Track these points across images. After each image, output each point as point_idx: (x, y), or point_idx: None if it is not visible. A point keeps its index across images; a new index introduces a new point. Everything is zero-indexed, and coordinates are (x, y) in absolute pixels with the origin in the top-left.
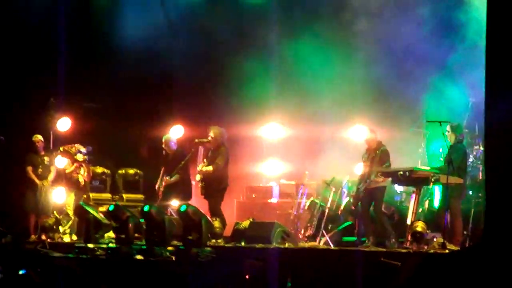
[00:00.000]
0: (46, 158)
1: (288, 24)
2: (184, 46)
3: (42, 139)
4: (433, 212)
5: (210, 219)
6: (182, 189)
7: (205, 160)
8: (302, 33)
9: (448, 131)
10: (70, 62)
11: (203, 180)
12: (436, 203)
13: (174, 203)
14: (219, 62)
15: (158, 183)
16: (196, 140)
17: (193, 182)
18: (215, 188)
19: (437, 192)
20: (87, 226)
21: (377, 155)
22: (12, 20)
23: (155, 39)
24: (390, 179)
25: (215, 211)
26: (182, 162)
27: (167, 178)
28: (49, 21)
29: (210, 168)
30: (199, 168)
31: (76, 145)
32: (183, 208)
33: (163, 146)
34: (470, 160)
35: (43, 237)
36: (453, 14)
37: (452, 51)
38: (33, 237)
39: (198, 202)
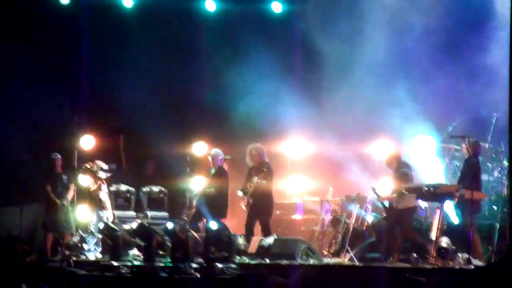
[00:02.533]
0: (64, 177)
1: (312, 40)
2: (205, 63)
3: (59, 157)
4: (454, 228)
5: (234, 236)
6: (220, 206)
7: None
8: (324, 48)
9: (464, 146)
10: (94, 79)
11: (253, 196)
12: (453, 219)
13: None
14: (242, 78)
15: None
16: (223, 157)
17: None
18: (266, 204)
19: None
20: (113, 244)
21: (396, 178)
22: (37, 37)
23: (175, 57)
24: (420, 203)
25: (267, 228)
26: None
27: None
28: (73, 39)
29: (264, 182)
30: (250, 183)
31: (97, 162)
32: (214, 226)
33: (209, 158)
34: (495, 175)
35: (67, 254)
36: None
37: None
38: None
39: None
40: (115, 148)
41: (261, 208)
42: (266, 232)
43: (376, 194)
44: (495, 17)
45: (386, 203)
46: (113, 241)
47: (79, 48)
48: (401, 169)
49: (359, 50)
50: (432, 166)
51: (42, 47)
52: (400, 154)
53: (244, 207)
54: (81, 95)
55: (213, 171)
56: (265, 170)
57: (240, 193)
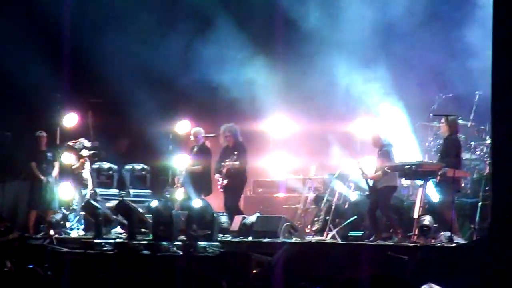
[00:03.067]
0: (49, 154)
1: (298, 16)
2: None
3: (45, 134)
4: (434, 206)
5: (217, 214)
6: (204, 183)
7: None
8: (310, 25)
9: (443, 123)
10: (76, 56)
11: (227, 176)
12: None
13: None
14: (225, 56)
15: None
16: (203, 135)
17: None
18: (237, 184)
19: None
20: (95, 221)
21: (379, 155)
22: (18, 14)
23: (160, 35)
24: (400, 179)
25: (235, 207)
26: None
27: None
28: (55, 15)
29: (237, 163)
30: (225, 163)
31: (80, 139)
32: (197, 204)
33: (191, 138)
34: (478, 153)
35: (51, 232)
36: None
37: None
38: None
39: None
40: (97, 126)
41: (233, 187)
42: (232, 209)
43: (362, 171)
44: None
45: (371, 182)
46: (95, 219)
47: (63, 22)
48: (384, 148)
49: (339, 26)
50: (408, 144)
51: (24, 20)
52: (382, 133)
53: (220, 187)
54: (64, 71)
55: (195, 149)
56: (238, 149)
57: (216, 175)
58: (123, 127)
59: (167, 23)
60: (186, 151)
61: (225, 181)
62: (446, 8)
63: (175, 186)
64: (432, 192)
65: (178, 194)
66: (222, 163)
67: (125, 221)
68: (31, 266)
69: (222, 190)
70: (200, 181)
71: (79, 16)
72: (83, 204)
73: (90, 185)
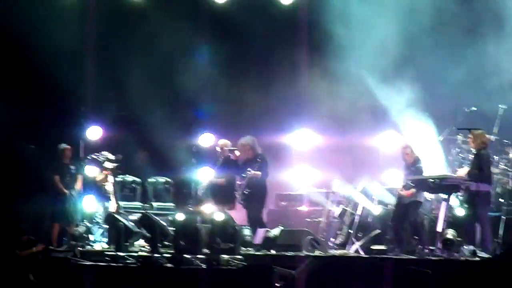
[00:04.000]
0: (72, 167)
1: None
2: (213, 55)
3: (69, 147)
4: (459, 220)
5: (240, 227)
6: (228, 196)
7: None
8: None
9: (470, 137)
10: (101, 70)
11: (248, 187)
12: (458, 211)
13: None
14: (248, 69)
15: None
16: (226, 148)
17: None
18: (259, 196)
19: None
20: (118, 234)
21: (412, 172)
22: (45, 27)
23: (184, 47)
24: (425, 194)
25: (258, 220)
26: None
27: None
28: (81, 27)
29: (259, 173)
30: (245, 174)
31: (103, 152)
32: (219, 217)
33: (217, 149)
34: (501, 167)
35: (74, 245)
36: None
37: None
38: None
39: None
40: (121, 139)
41: (256, 199)
42: (256, 222)
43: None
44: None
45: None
46: (117, 232)
47: (87, 36)
48: (417, 164)
49: (365, 38)
50: (434, 157)
51: (50, 33)
52: (414, 148)
53: (239, 199)
54: (89, 84)
55: (221, 161)
56: (259, 160)
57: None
58: (146, 140)
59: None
60: (209, 164)
61: (246, 191)
62: (473, 21)
63: (198, 198)
64: (458, 206)
65: (201, 207)
66: (243, 175)
67: (148, 234)
68: None
69: (242, 202)
70: (223, 194)
71: (106, 31)
72: (105, 217)
73: (113, 198)
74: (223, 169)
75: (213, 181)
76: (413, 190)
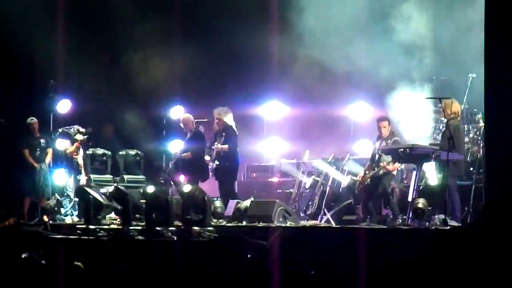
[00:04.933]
0: (42, 140)
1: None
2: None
3: (36, 120)
4: (431, 189)
5: (211, 198)
6: (199, 169)
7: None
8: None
9: (442, 107)
10: (70, 43)
11: (217, 159)
12: (431, 180)
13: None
14: (218, 39)
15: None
16: (196, 120)
17: None
18: (230, 167)
19: (430, 169)
20: (88, 207)
21: (388, 145)
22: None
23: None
24: (400, 167)
25: (231, 192)
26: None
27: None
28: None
29: (225, 146)
30: (214, 146)
31: (75, 126)
32: (187, 188)
33: (181, 124)
34: (471, 136)
35: (45, 218)
36: None
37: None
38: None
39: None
40: (90, 112)
41: (225, 171)
42: (228, 194)
43: (380, 163)
44: None
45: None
46: (86, 205)
47: (55, 9)
48: (394, 138)
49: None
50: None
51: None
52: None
53: (210, 172)
54: (58, 58)
55: (188, 135)
56: (225, 133)
57: (207, 157)
58: (115, 113)
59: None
60: (179, 137)
61: (215, 164)
62: None
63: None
64: (432, 175)
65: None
66: (212, 147)
67: (119, 207)
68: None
69: (211, 174)
70: (194, 167)
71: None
72: (76, 190)
73: (84, 171)
74: (190, 143)
75: (181, 156)
76: (397, 164)
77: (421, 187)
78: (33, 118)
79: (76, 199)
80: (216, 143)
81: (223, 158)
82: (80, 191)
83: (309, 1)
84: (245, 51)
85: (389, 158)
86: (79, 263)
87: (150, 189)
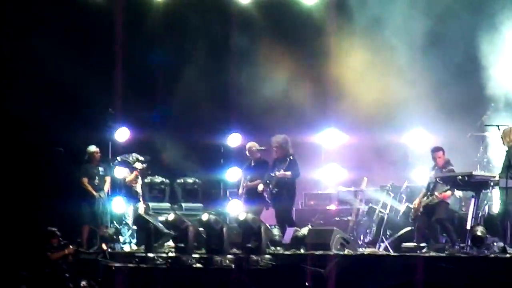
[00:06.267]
0: (101, 169)
1: (349, 30)
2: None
3: (98, 150)
4: (493, 217)
5: (268, 226)
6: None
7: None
8: (361, 40)
9: (501, 135)
10: (128, 72)
11: (277, 186)
12: (495, 208)
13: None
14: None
15: (240, 189)
16: (255, 148)
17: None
18: (288, 195)
19: (496, 197)
20: (148, 235)
21: (445, 172)
22: (73, 30)
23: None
24: (456, 193)
25: (287, 219)
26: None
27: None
28: (108, 31)
29: (288, 173)
30: (274, 173)
31: (133, 154)
32: (242, 216)
33: (246, 153)
34: None
35: (104, 247)
36: None
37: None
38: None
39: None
40: (148, 141)
41: (284, 198)
42: (285, 221)
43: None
44: None
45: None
46: (147, 233)
47: (113, 39)
48: (449, 166)
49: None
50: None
51: (77, 36)
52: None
53: (266, 198)
54: (116, 86)
55: (252, 163)
56: (289, 160)
57: (260, 187)
58: (174, 141)
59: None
60: (237, 164)
61: (275, 190)
62: None
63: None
64: (496, 202)
65: (231, 208)
66: (272, 174)
67: (178, 235)
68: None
69: (270, 202)
70: (258, 195)
71: (134, 32)
72: (135, 218)
73: (142, 199)
74: (254, 171)
75: (249, 185)
76: (449, 192)
77: (479, 214)
78: (95, 147)
79: (135, 227)
80: (276, 170)
81: (283, 185)
82: (139, 220)
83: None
84: (301, 76)
85: (443, 187)
86: None
87: (204, 216)
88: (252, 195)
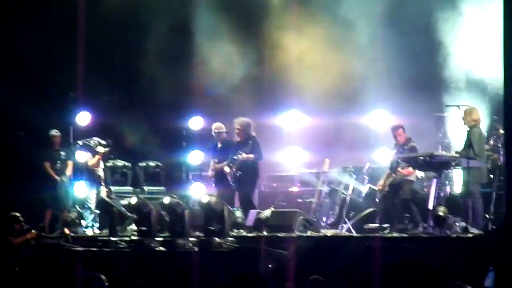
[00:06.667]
0: (62, 153)
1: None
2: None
3: (59, 134)
4: (455, 197)
5: (231, 209)
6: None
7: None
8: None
9: (462, 115)
10: (88, 55)
11: (240, 169)
12: (457, 188)
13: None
14: (237, 50)
15: (210, 171)
16: (216, 131)
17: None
18: (251, 178)
19: (456, 178)
20: (111, 219)
21: (405, 151)
22: (34, 13)
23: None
24: (417, 173)
25: (249, 202)
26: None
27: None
28: (69, 13)
29: (252, 156)
30: (237, 156)
31: (95, 138)
32: (205, 199)
33: (212, 133)
34: (491, 143)
35: (66, 231)
36: None
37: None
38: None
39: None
40: (110, 124)
41: (247, 181)
42: (247, 204)
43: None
44: None
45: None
46: (110, 217)
47: (75, 21)
48: (410, 143)
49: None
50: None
51: (38, 21)
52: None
53: (230, 181)
54: (77, 70)
55: (219, 145)
56: (251, 142)
57: (227, 169)
58: (136, 125)
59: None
60: (199, 147)
61: (238, 173)
62: None
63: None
64: (458, 182)
65: (193, 191)
66: (235, 157)
67: (140, 218)
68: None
69: (233, 184)
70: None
71: (95, 14)
72: (98, 202)
73: (105, 183)
74: (223, 153)
75: (217, 167)
76: (411, 168)
77: (441, 194)
78: (56, 131)
79: (97, 211)
80: (239, 153)
81: (246, 168)
82: (102, 203)
83: None
84: (262, 58)
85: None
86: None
87: (166, 200)
88: (222, 177)
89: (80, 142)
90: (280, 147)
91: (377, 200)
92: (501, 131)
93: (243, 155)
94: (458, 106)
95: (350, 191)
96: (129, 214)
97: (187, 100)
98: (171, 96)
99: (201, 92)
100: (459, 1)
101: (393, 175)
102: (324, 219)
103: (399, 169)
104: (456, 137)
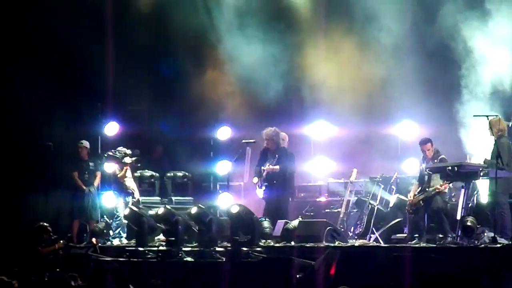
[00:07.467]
0: (90, 163)
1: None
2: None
3: (87, 144)
4: (482, 207)
5: (259, 219)
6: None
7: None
8: (351, 33)
9: (488, 125)
10: (117, 66)
11: (267, 179)
12: (483, 198)
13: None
14: (265, 61)
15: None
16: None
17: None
18: (280, 188)
19: (482, 187)
20: (141, 229)
21: (437, 162)
22: (62, 26)
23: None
24: (450, 185)
25: (280, 212)
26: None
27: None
28: (97, 27)
29: (277, 167)
30: (264, 167)
31: (119, 148)
32: (235, 209)
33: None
34: None
35: (94, 241)
36: None
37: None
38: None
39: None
40: (138, 134)
41: (275, 192)
42: (278, 215)
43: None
44: None
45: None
46: (138, 227)
47: (103, 35)
48: (440, 156)
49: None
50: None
51: (66, 32)
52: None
53: (258, 193)
54: (106, 80)
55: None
56: (278, 154)
57: (255, 179)
58: (163, 135)
59: None
60: (227, 157)
61: (265, 185)
62: None
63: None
64: (484, 192)
65: (221, 201)
66: (262, 167)
67: (168, 229)
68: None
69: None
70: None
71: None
72: (126, 212)
73: (137, 193)
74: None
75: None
76: (447, 183)
77: (469, 204)
78: (84, 141)
79: (125, 222)
80: (267, 164)
81: (273, 178)
82: (132, 214)
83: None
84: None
85: (439, 178)
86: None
87: (193, 210)
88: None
89: (108, 153)
90: (308, 157)
91: (406, 211)
92: None
93: (268, 167)
94: (486, 116)
95: (377, 201)
96: (157, 224)
97: (214, 110)
98: (199, 106)
99: (229, 104)
100: (489, 8)
101: (427, 189)
102: (352, 229)
103: (437, 186)
104: (480, 146)
